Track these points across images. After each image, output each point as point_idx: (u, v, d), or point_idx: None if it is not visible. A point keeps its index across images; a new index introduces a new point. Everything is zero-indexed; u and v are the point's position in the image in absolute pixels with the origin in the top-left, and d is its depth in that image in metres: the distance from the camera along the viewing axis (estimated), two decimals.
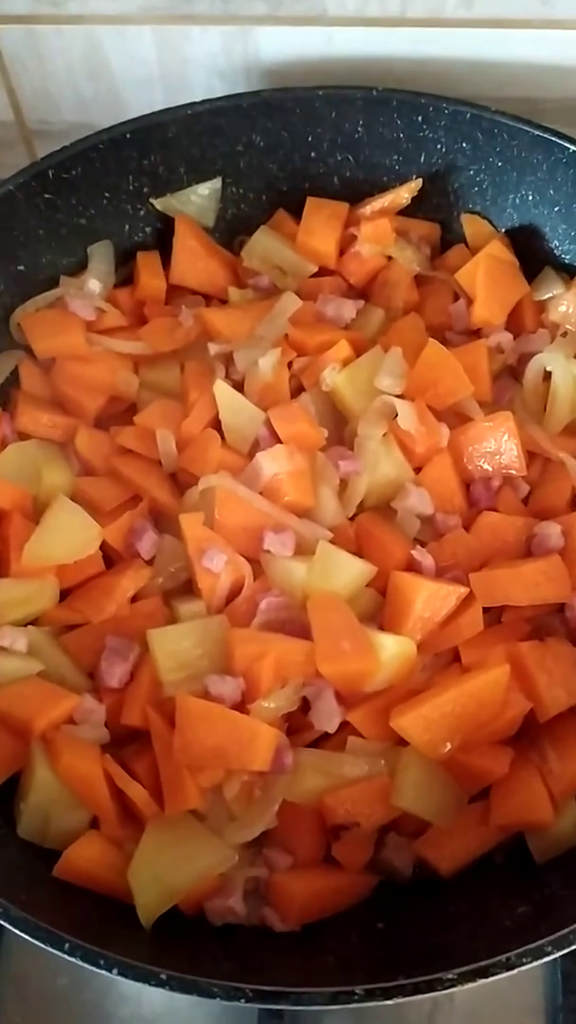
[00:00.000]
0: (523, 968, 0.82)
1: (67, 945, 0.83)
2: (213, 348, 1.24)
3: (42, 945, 0.83)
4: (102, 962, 0.82)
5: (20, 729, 1.02)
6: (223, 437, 1.18)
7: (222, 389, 1.18)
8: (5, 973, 1.17)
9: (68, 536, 1.11)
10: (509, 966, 0.82)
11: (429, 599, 1.06)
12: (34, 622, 1.11)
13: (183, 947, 0.95)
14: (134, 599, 1.12)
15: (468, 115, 1.26)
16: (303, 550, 1.11)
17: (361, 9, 1.28)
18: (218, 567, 1.09)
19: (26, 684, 1.05)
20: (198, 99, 1.30)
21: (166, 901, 0.95)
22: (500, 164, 1.29)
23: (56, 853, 0.98)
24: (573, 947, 0.83)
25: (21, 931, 0.84)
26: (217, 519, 1.11)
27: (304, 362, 1.24)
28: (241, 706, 1.02)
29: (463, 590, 1.07)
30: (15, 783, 1.04)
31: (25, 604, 1.10)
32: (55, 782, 1.00)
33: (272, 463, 1.13)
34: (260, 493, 1.13)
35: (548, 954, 0.83)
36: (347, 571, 1.09)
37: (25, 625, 1.10)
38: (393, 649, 1.03)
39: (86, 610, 1.11)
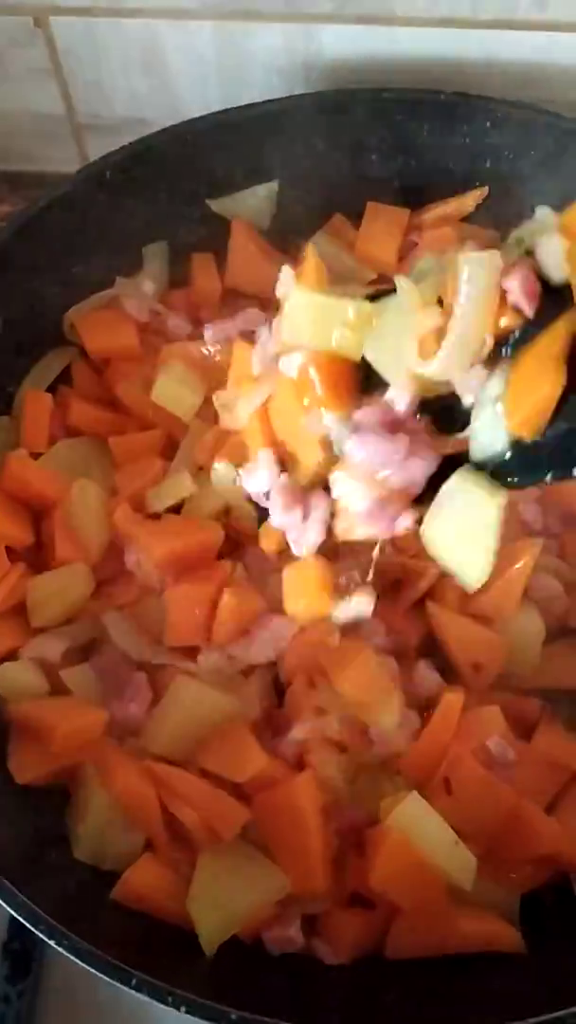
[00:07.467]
0: None
1: (134, 981, 0.81)
2: None
3: (109, 980, 0.81)
4: (170, 999, 0.81)
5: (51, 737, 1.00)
6: None
7: None
8: (48, 987, 1.15)
9: None
10: None
11: None
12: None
13: (243, 975, 0.93)
14: None
15: (541, 122, 1.22)
16: None
17: (430, 9, 1.25)
18: None
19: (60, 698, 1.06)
20: (255, 96, 1.27)
21: (228, 928, 0.93)
22: (572, 172, 1.25)
23: (113, 876, 0.97)
24: None
25: (86, 964, 0.82)
26: None
27: None
28: None
29: None
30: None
31: (61, 595, 1.10)
32: (109, 804, 0.99)
33: None
34: None
35: None
36: None
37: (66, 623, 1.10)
38: None
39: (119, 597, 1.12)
